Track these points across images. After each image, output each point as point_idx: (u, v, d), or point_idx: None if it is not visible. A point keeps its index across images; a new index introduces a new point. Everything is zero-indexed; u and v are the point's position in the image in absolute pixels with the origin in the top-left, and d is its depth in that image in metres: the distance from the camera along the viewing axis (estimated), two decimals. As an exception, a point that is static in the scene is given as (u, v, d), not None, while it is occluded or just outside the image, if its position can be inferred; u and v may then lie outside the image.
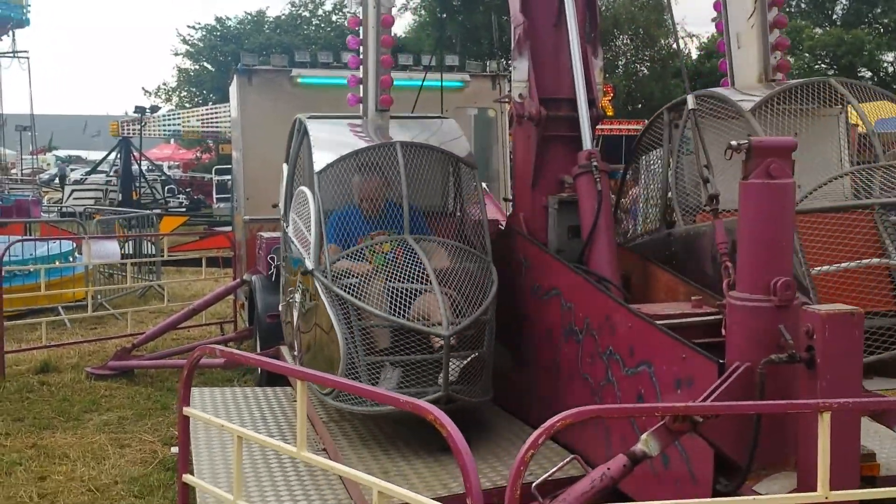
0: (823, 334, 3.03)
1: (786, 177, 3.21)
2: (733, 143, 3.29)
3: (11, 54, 28.93)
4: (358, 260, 4.81)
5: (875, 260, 4.19)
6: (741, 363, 3.19)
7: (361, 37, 5.42)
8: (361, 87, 5.45)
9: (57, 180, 24.86)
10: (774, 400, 3.06)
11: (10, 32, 27.61)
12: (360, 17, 5.40)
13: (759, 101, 4.42)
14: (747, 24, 4.94)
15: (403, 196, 4.84)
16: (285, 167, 5.89)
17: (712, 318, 3.84)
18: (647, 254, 5.01)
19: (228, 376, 7.87)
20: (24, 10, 25.49)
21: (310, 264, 4.86)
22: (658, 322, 3.76)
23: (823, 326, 3.03)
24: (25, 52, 29.76)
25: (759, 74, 4.91)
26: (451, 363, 4.33)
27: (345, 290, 4.56)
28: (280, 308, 6.06)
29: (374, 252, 4.84)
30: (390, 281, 4.57)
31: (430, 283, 4.45)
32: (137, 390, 7.60)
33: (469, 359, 4.52)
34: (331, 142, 5.17)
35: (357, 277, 4.64)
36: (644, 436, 3.12)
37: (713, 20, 5.38)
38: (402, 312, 4.46)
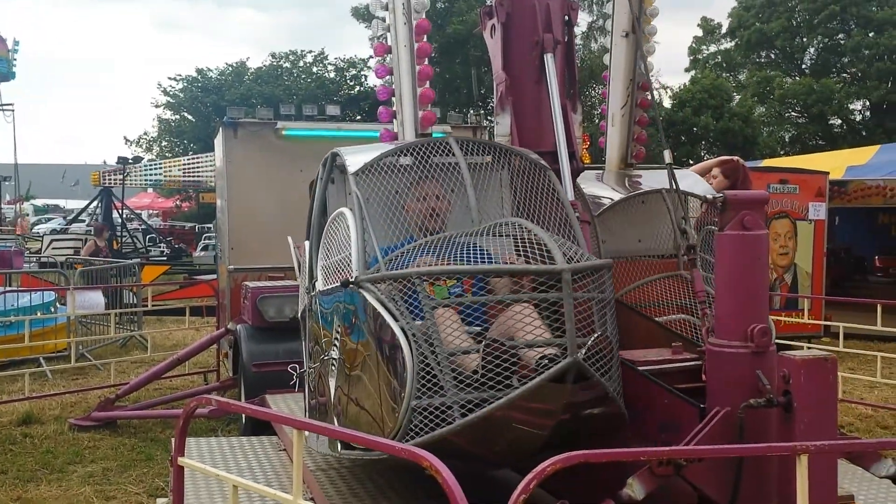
0: (799, 379, 3.16)
1: (759, 228, 3.37)
2: (708, 196, 3.44)
3: (-3, 107, 29.07)
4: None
5: None
6: (721, 408, 3.30)
7: (391, 58, 4.45)
8: (395, 121, 4.50)
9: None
10: (753, 443, 3.16)
11: (-4, 85, 27.82)
12: (389, 44, 4.46)
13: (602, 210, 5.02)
14: (619, 111, 5.46)
15: (469, 193, 3.86)
16: (307, 244, 4.53)
17: (692, 363, 3.95)
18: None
19: (212, 426, 7.87)
20: (11, 64, 25.62)
21: (353, 275, 3.57)
22: (640, 368, 3.86)
23: (799, 371, 3.16)
24: (11, 104, 29.96)
25: (621, 157, 5.48)
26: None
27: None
28: (307, 383, 4.85)
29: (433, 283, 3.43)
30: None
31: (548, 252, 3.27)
32: (121, 441, 7.57)
33: (593, 339, 3.26)
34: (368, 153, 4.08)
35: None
36: (629, 480, 3.21)
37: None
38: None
